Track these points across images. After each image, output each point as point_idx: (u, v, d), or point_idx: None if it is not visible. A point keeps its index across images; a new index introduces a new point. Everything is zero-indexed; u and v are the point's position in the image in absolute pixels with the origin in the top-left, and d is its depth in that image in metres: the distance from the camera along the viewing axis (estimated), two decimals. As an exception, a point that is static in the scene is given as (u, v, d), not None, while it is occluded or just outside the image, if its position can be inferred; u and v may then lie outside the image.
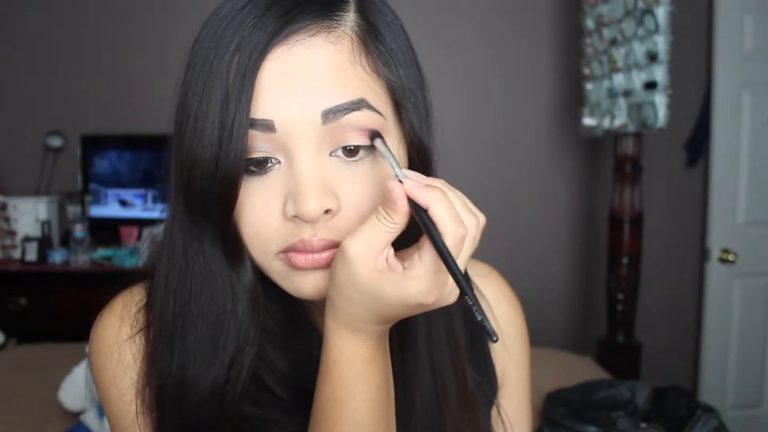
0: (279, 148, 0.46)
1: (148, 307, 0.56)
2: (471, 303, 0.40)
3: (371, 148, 0.47)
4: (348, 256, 0.43)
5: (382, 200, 0.43)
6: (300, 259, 0.47)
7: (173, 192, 0.52)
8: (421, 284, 0.42)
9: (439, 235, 0.41)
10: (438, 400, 0.56)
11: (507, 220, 2.71)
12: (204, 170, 0.46)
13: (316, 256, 0.47)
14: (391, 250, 0.44)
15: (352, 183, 0.47)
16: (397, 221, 0.43)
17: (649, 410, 1.47)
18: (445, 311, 0.55)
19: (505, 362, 0.66)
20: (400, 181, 0.44)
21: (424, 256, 0.43)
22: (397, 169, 0.45)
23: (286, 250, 0.48)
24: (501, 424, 0.65)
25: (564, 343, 2.62)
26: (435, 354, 0.56)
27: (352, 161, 0.47)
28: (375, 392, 0.48)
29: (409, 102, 0.49)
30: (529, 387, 0.71)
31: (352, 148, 0.47)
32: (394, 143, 0.49)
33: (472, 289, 0.41)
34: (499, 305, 0.67)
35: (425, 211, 0.42)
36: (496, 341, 0.40)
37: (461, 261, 0.43)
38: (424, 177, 0.45)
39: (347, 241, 0.43)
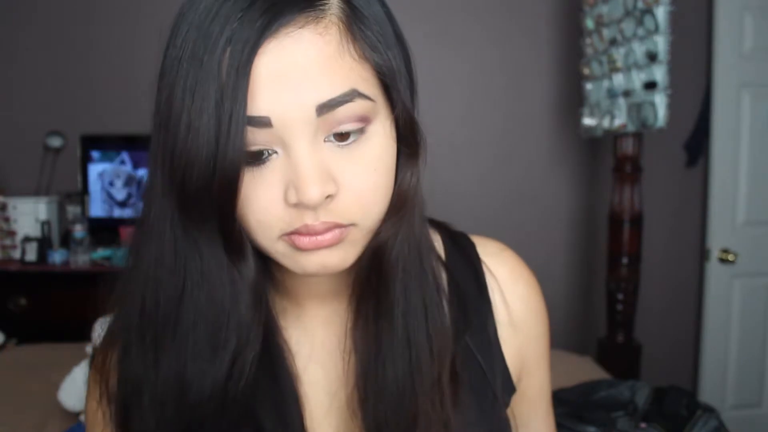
0: (275, 141, 0.46)
1: (120, 313, 0.56)
2: None
3: (360, 130, 0.48)
4: None
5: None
6: (304, 241, 0.48)
7: (160, 190, 0.50)
8: None
9: None
10: (411, 377, 0.55)
11: (507, 219, 2.71)
12: (201, 169, 0.45)
13: (319, 237, 0.48)
14: None
15: (348, 165, 0.48)
16: None
17: (649, 410, 1.47)
18: (424, 286, 0.56)
19: (520, 344, 0.64)
20: None
21: None
22: None
23: (290, 233, 0.48)
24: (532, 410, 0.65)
25: (564, 343, 2.62)
26: (410, 325, 0.55)
27: (344, 144, 0.48)
28: None
29: (398, 82, 0.50)
30: (548, 368, 0.69)
31: (342, 133, 0.48)
32: (385, 123, 0.50)
33: None
34: (517, 285, 0.65)
35: None
36: None
37: None
38: None
39: None
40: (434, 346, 0.56)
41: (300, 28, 0.45)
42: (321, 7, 0.46)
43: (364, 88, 0.47)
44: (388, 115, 0.50)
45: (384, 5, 0.52)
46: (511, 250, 0.68)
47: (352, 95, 0.46)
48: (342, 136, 0.48)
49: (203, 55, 0.45)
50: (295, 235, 0.48)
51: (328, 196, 0.47)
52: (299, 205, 0.46)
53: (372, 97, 0.48)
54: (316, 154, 0.46)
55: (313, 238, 0.48)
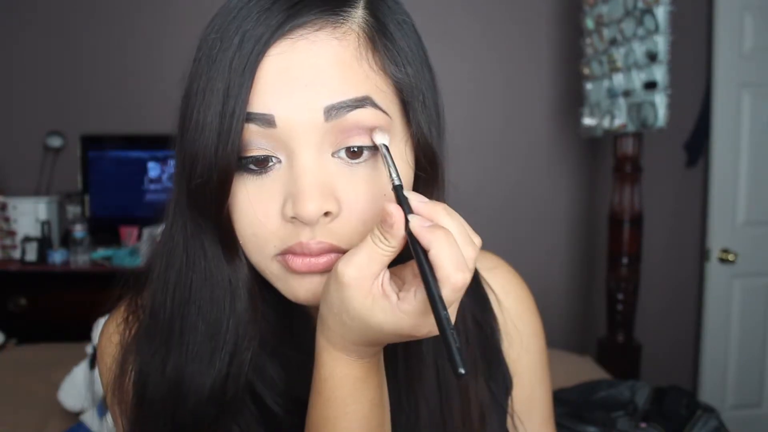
0: (280, 146, 0.45)
1: (139, 311, 0.56)
2: (451, 357, 0.36)
3: (375, 149, 0.46)
4: (342, 281, 0.41)
5: (380, 221, 0.42)
6: (297, 262, 0.46)
7: (176, 188, 0.51)
8: (411, 320, 0.41)
9: (435, 282, 0.39)
10: (442, 414, 0.54)
11: (506, 220, 2.71)
12: (203, 165, 0.45)
13: (313, 260, 0.46)
14: (387, 274, 0.43)
15: (354, 185, 0.46)
16: (393, 245, 0.41)
17: (649, 410, 1.47)
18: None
19: (514, 357, 0.65)
20: (398, 190, 0.42)
21: (420, 294, 0.41)
22: (395, 177, 0.43)
23: (284, 253, 0.47)
24: (520, 423, 0.64)
25: (564, 343, 2.62)
26: (440, 364, 0.55)
27: (355, 163, 0.46)
28: (369, 410, 0.46)
29: (417, 101, 0.48)
30: (547, 382, 0.69)
31: (355, 149, 0.46)
32: (400, 144, 0.48)
33: (456, 340, 0.37)
34: (507, 299, 0.66)
35: (425, 252, 0.40)
36: (460, 375, 0.36)
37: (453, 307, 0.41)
38: (426, 200, 0.43)
39: (342, 265, 0.42)
40: (462, 386, 0.55)
41: (317, 30, 0.44)
42: (343, 14, 0.45)
43: (379, 100, 0.46)
44: (406, 138, 0.49)
45: (416, 32, 0.50)
46: (507, 266, 0.69)
47: (365, 102, 0.45)
48: (354, 154, 0.46)
49: (217, 53, 0.45)
50: (289, 255, 0.46)
51: (328, 214, 0.45)
52: (296, 220, 0.45)
53: (387, 111, 0.46)
54: (320, 166, 0.45)
55: (307, 260, 0.46)
